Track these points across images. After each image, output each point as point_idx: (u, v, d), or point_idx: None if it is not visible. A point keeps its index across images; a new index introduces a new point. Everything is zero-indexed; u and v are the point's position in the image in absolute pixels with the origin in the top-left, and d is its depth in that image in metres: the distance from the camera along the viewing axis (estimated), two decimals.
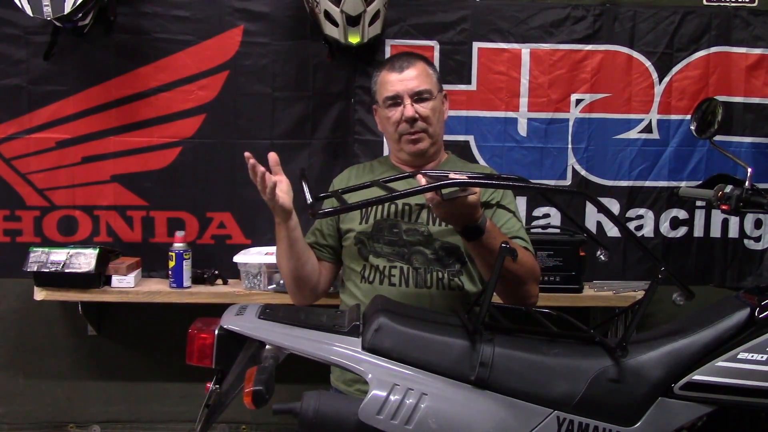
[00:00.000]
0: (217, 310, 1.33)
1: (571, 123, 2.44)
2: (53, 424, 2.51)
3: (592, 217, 2.47)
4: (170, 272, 2.25)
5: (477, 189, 1.36)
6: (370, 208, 1.66)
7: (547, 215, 2.48)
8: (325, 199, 1.63)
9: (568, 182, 2.46)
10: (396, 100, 1.66)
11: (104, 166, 2.37)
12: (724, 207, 1.47)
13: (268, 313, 1.26)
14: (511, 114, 2.43)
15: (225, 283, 2.33)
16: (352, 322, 1.24)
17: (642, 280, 2.42)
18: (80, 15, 2.08)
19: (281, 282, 2.13)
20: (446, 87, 1.94)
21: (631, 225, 2.48)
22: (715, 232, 2.52)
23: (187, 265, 2.24)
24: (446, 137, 1.89)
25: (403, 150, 1.70)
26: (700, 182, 2.10)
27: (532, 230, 2.34)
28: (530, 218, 2.47)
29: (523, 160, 2.45)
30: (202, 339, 1.23)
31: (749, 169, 1.45)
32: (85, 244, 2.34)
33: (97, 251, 2.18)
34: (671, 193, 2.47)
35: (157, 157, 2.38)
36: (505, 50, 2.41)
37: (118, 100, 2.34)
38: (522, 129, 2.44)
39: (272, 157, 1.50)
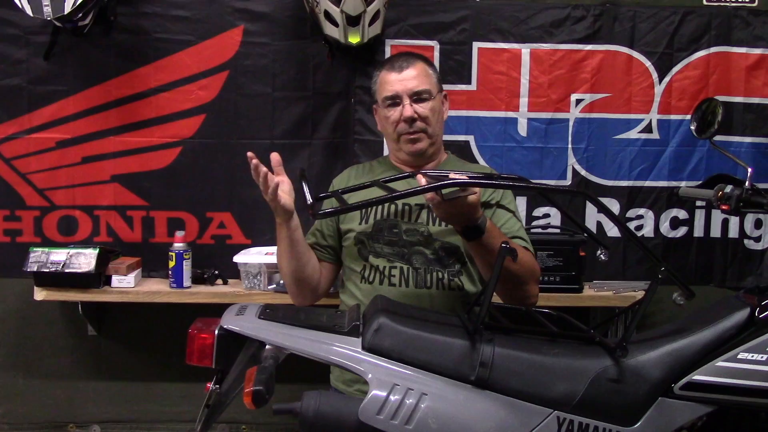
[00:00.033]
0: (217, 310, 1.33)
1: (571, 123, 2.44)
2: (53, 424, 2.51)
3: (592, 217, 2.47)
4: (170, 272, 2.25)
5: (477, 189, 1.35)
6: (370, 209, 1.66)
7: (547, 215, 2.48)
8: (325, 199, 1.62)
9: (568, 182, 2.46)
10: (395, 100, 1.66)
11: (104, 166, 2.37)
12: (724, 207, 1.47)
13: (268, 313, 1.26)
14: (511, 114, 2.43)
15: (225, 283, 2.33)
16: (352, 322, 1.24)
17: (642, 280, 2.42)
18: (80, 15, 2.07)
19: (281, 282, 2.13)
20: (446, 87, 1.94)
21: (631, 225, 2.48)
22: (715, 232, 2.52)
23: (187, 265, 2.24)
24: (446, 137, 1.89)
25: (402, 150, 1.70)
26: (700, 182, 2.10)
27: (532, 230, 2.34)
28: (530, 218, 2.47)
29: (523, 160, 2.45)
30: (202, 339, 1.23)
31: (749, 169, 1.45)
32: (85, 244, 2.34)
33: (97, 251, 2.18)
34: (671, 193, 2.46)
35: (157, 157, 2.38)
36: (505, 50, 2.41)
37: (118, 100, 2.34)
38: (522, 129, 2.44)
39: (275, 157, 1.51)
